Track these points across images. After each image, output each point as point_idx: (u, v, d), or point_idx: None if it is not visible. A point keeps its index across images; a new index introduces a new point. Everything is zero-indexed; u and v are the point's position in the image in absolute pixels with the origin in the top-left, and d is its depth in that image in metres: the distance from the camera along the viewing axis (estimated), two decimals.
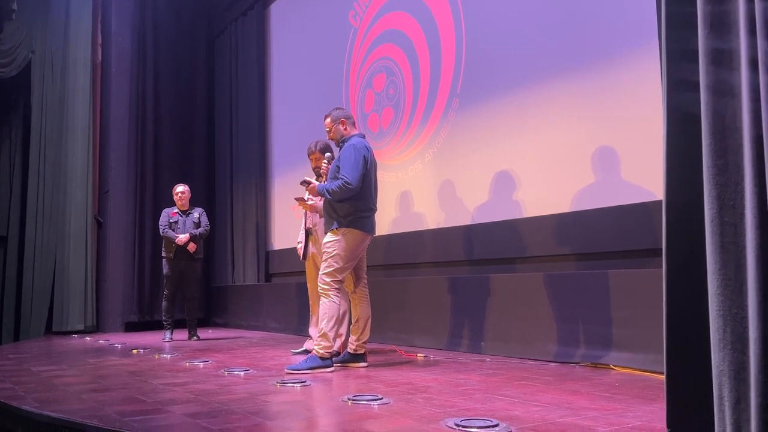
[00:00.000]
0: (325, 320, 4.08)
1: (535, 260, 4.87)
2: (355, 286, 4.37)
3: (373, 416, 2.60)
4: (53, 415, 2.74)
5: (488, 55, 5.35)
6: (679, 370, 1.66)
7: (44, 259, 8.77)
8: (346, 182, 4.08)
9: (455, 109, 5.64)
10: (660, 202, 3.74)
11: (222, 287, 9.40)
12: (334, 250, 4.16)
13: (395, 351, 5.11)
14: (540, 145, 4.83)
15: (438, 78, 5.85)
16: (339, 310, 4.13)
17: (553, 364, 4.16)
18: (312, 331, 5.11)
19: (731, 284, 1.54)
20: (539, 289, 4.53)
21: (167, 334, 6.74)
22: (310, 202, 4.91)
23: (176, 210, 6.84)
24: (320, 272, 4.21)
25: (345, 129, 4.40)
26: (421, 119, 6.03)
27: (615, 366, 3.86)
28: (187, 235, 6.69)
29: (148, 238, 8.82)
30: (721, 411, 1.54)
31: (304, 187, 4.51)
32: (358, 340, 4.28)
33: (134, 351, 5.67)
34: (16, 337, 8.82)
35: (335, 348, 4.19)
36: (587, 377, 3.59)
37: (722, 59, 1.56)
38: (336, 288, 4.14)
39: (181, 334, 6.97)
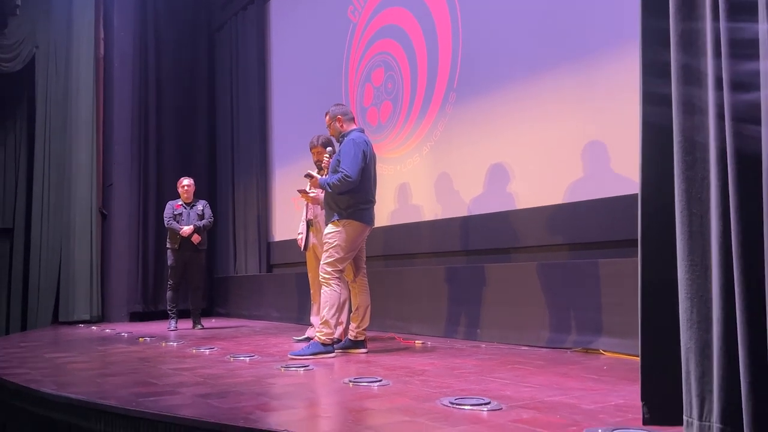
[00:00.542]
0: (327, 308, 4.25)
1: (529, 250, 5.04)
2: (355, 276, 4.54)
3: (373, 396, 2.77)
4: (73, 396, 2.91)
5: (484, 50, 5.49)
6: (652, 348, 1.83)
7: (50, 250, 8.94)
8: (345, 175, 4.24)
9: (452, 103, 5.79)
10: None
11: (224, 278, 9.57)
12: (335, 241, 4.32)
13: (394, 338, 5.28)
14: (534, 139, 4.99)
15: (435, 72, 6.00)
16: (340, 298, 4.30)
17: (545, 350, 4.33)
18: (313, 319, 5.28)
19: (698, 269, 1.70)
20: (532, 277, 4.69)
21: (172, 323, 6.91)
22: (312, 194, 5.08)
23: (180, 202, 7.00)
24: (322, 262, 4.38)
25: (341, 125, 4.55)
26: (419, 113, 6.18)
27: (604, 351, 4.03)
28: (192, 226, 6.85)
29: (151, 229, 8.99)
30: (688, 384, 1.71)
31: (307, 180, 4.67)
32: (358, 327, 4.44)
33: (141, 339, 5.84)
34: (24, 327, 9.01)
35: (336, 335, 4.36)
36: (577, 361, 3.76)
37: (691, 73, 1.71)
38: (337, 277, 4.31)
39: (185, 324, 7.14)
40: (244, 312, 8.82)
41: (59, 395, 2.96)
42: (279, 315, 7.89)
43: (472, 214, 5.52)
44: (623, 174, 4.34)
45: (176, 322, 6.94)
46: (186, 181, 7.07)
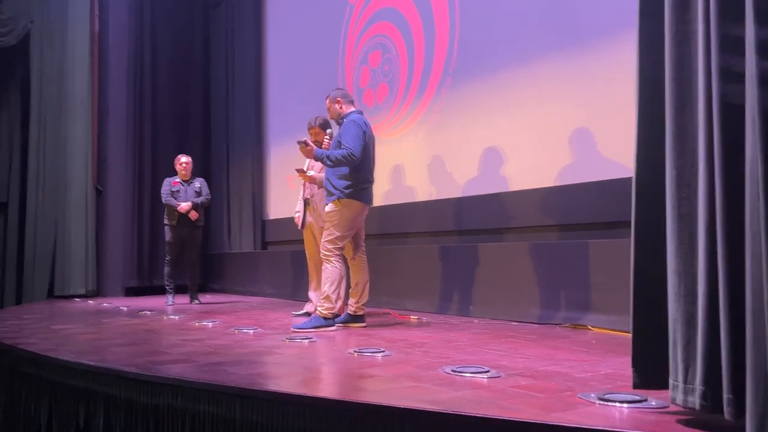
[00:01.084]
0: (328, 284, 4.43)
1: (520, 231, 5.23)
2: (354, 253, 4.71)
3: (378, 365, 2.95)
4: (93, 363, 3.06)
5: (480, 36, 5.63)
6: (642, 318, 2.02)
7: (45, 225, 9.03)
8: (350, 152, 4.38)
9: (448, 87, 5.94)
10: None
11: (218, 254, 9.71)
12: (336, 219, 4.49)
13: (389, 314, 5.47)
14: (526, 124, 5.16)
15: (432, 57, 6.13)
16: (340, 274, 4.48)
17: (535, 325, 4.54)
18: (311, 294, 5.46)
19: (685, 248, 1.88)
20: (524, 257, 4.89)
21: (170, 298, 7.06)
22: (310, 173, 5.22)
23: (178, 179, 7.11)
24: (323, 240, 4.55)
25: (341, 107, 4.69)
26: (415, 96, 6.33)
27: (592, 327, 4.25)
28: (189, 203, 6.97)
29: (146, 205, 9.12)
30: (675, 351, 1.90)
31: (312, 164, 4.83)
32: (357, 302, 4.62)
33: (141, 313, 5.99)
34: (18, 301, 9.11)
35: (336, 309, 4.54)
36: (566, 336, 3.97)
37: (683, 68, 1.89)
38: (337, 254, 4.48)
39: (183, 299, 7.29)
40: (238, 288, 8.98)
41: (80, 362, 3.11)
42: (274, 291, 8.06)
43: (466, 195, 5.69)
44: (612, 158, 4.53)
45: (174, 297, 7.09)
46: (184, 159, 7.18)
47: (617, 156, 4.47)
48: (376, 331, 4.34)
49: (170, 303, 6.97)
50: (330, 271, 4.46)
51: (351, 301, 4.65)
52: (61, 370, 3.23)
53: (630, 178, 4.25)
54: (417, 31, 6.33)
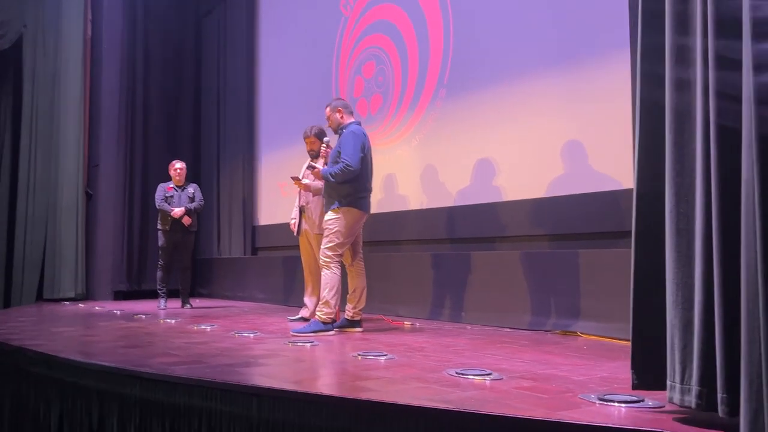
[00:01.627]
0: (327, 289, 4.55)
1: (512, 240, 5.39)
2: (352, 260, 4.84)
3: (383, 367, 3.08)
4: (106, 363, 3.15)
5: (474, 49, 5.80)
6: (641, 323, 2.17)
7: (35, 228, 9.05)
8: (347, 165, 4.53)
9: (442, 98, 6.10)
10: (623, 190, 4.31)
11: (207, 259, 9.78)
12: (335, 227, 4.62)
13: (383, 319, 5.59)
14: (518, 136, 5.32)
15: (426, 68, 6.29)
16: (339, 280, 4.60)
17: (527, 332, 4.69)
18: (307, 299, 5.57)
19: (683, 259, 2.04)
20: (515, 265, 5.05)
21: (162, 302, 7.12)
22: (304, 182, 5.35)
23: (172, 185, 7.19)
24: (322, 247, 4.67)
25: (341, 117, 4.83)
26: (408, 107, 6.48)
27: (582, 333, 4.41)
28: (183, 208, 7.05)
29: (136, 210, 9.17)
30: (672, 354, 2.05)
31: (307, 172, 4.96)
32: (354, 308, 4.74)
33: (136, 316, 6.06)
34: (7, 304, 9.10)
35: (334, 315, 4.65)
36: (558, 342, 4.13)
37: (682, 83, 2.05)
38: (336, 261, 4.61)
39: (174, 303, 7.35)
40: (227, 293, 9.05)
41: (94, 363, 3.20)
42: (264, 297, 8.14)
43: (458, 204, 5.84)
44: (602, 171, 4.70)
45: (166, 301, 7.16)
46: (178, 165, 7.26)
47: (607, 169, 4.65)
48: (374, 336, 4.46)
49: (163, 307, 7.04)
50: (329, 277, 4.58)
51: (348, 306, 4.76)
52: (75, 370, 3.31)
53: (619, 191, 4.49)
54: (411, 43, 6.49)
